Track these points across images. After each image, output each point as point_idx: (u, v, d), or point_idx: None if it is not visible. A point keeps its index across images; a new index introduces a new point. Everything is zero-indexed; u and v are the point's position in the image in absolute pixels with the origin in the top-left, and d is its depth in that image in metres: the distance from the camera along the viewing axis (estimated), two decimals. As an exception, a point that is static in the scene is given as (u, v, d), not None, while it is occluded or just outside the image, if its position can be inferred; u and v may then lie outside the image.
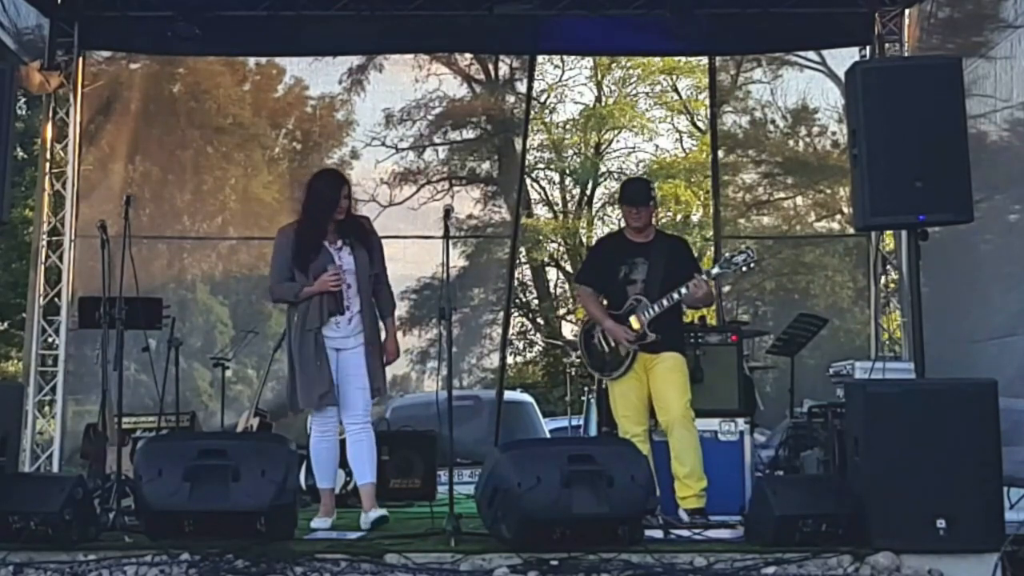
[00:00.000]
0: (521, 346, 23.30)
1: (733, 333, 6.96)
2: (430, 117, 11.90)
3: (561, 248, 23.77)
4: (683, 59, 19.19)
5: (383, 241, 6.29)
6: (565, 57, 20.11)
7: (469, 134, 12.29)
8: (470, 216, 12.19)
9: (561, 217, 23.89)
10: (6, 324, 18.62)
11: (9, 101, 5.65)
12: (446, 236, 5.90)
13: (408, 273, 10.51)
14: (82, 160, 9.21)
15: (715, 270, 6.43)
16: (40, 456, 8.76)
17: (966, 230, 6.18)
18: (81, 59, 9.10)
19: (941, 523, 5.02)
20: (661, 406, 6.22)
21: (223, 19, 8.83)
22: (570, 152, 23.76)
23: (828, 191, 11.13)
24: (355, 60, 10.51)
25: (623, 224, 6.58)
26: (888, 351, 8.80)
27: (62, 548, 5.11)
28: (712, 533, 5.70)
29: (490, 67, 11.00)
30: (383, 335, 6.15)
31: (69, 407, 9.01)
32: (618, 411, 6.32)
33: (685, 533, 5.69)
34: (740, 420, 6.61)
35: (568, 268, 22.98)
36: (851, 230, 10.05)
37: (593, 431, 8.21)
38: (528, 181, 21.79)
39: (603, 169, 23.44)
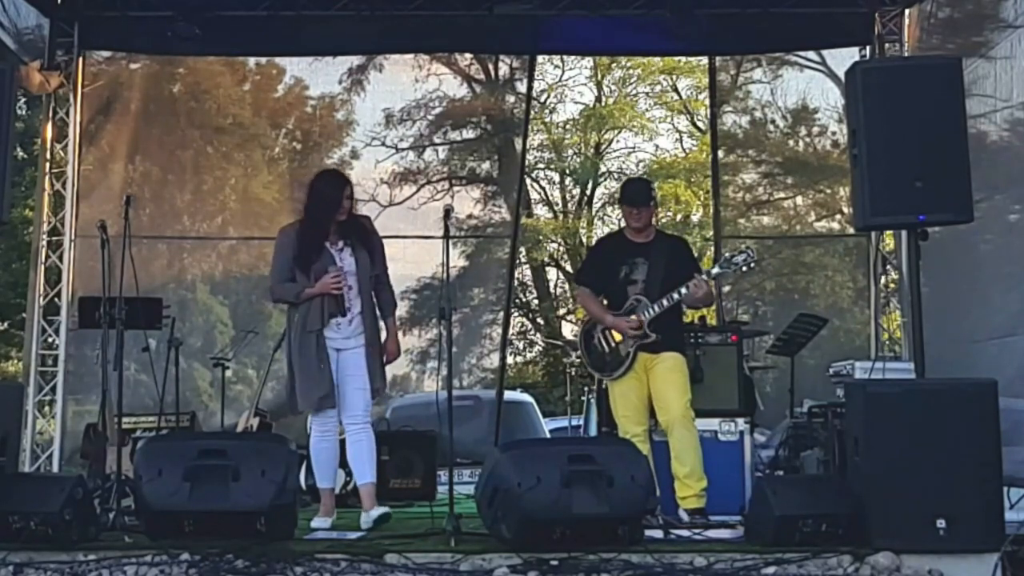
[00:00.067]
0: (521, 346, 23.32)
1: (733, 333, 6.96)
2: (430, 117, 11.90)
3: (561, 248, 23.77)
4: (683, 59, 19.18)
5: (383, 241, 6.29)
6: (565, 57, 20.11)
7: (469, 134, 12.29)
8: (470, 216, 12.18)
9: (561, 217, 23.89)
10: (6, 324, 18.62)
11: (9, 101, 5.65)
12: (446, 236, 5.90)
13: (408, 273, 10.51)
14: (82, 160, 9.21)
15: (715, 270, 6.43)
16: (40, 456, 8.76)
17: (966, 230, 6.17)
18: (81, 59, 9.11)
19: (941, 523, 5.02)
20: (661, 406, 6.22)
21: (223, 19, 8.83)
22: (570, 152, 23.76)
23: (828, 191, 11.13)
24: (355, 60, 10.51)
25: (623, 224, 6.58)
26: (888, 351, 8.80)
27: (62, 548, 5.11)
28: (712, 533, 5.70)
29: (490, 67, 11.00)
30: (383, 335, 6.15)
31: (69, 407, 9.01)
32: (618, 411, 6.32)
33: (685, 533, 5.69)
34: (740, 420, 6.61)
35: (568, 268, 22.98)
36: (851, 230, 10.05)
37: (593, 431, 8.21)
38: (528, 181, 21.80)
39: (603, 169, 23.45)
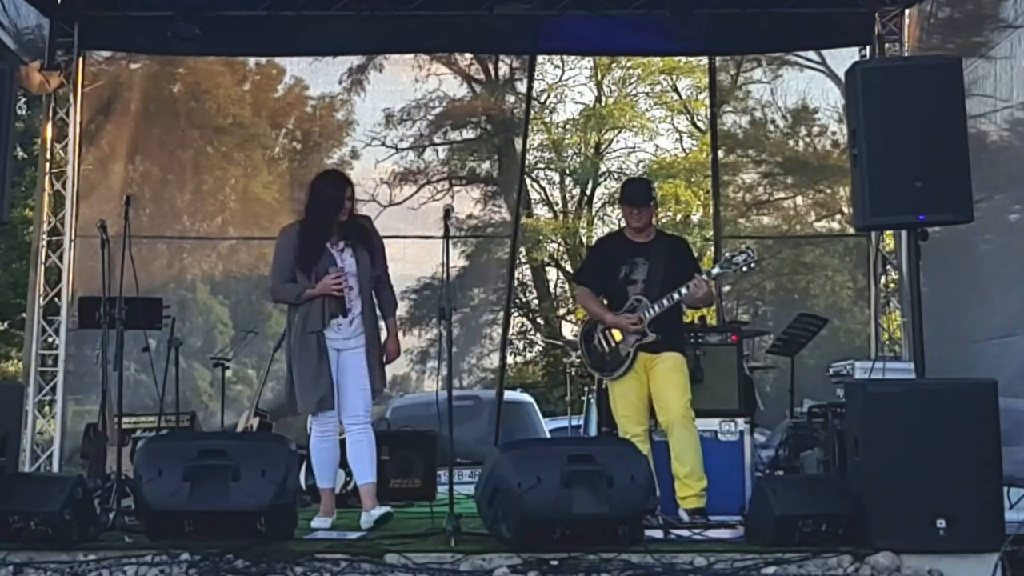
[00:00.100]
0: (521, 346, 23.31)
1: (733, 333, 6.96)
2: (430, 117, 11.92)
3: (561, 248, 23.76)
4: (683, 59, 19.17)
5: (383, 241, 6.29)
6: (565, 57, 20.11)
7: (469, 134, 12.30)
8: (470, 216, 12.20)
9: (561, 217, 23.89)
10: (6, 324, 18.62)
11: (9, 101, 5.64)
12: (446, 236, 5.90)
13: (408, 273, 10.52)
14: (82, 160, 9.21)
15: (715, 270, 6.44)
16: (40, 456, 8.76)
17: (966, 230, 6.17)
18: (81, 59, 9.11)
19: (941, 523, 5.02)
20: (661, 406, 6.22)
21: (223, 19, 8.83)
22: (570, 152, 23.76)
23: (828, 191, 11.13)
24: (355, 60, 10.52)
25: (623, 224, 6.58)
26: (888, 351, 8.80)
27: (62, 548, 5.10)
28: (712, 533, 5.70)
29: (490, 67, 11.01)
30: (384, 335, 6.15)
31: (69, 407, 9.01)
32: (618, 411, 6.32)
33: (685, 533, 5.69)
34: (740, 420, 6.61)
35: (568, 268, 22.97)
36: (851, 230, 10.06)
37: (593, 431, 8.21)
38: (528, 181, 21.79)
39: (603, 169, 23.44)
